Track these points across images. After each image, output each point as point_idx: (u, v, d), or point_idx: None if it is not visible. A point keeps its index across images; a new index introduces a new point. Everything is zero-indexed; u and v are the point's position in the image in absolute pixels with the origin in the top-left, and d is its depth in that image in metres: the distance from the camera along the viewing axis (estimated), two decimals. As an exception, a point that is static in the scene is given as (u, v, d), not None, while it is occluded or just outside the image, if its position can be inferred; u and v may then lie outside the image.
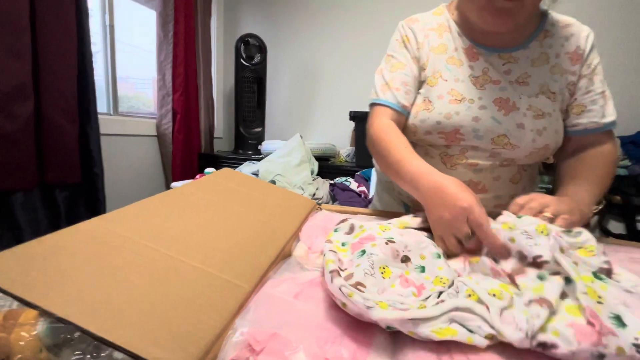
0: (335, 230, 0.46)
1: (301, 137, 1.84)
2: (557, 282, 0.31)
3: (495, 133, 0.56)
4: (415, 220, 0.49)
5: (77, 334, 0.52)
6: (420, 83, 0.62)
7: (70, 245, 0.31)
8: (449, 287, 0.35)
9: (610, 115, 0.57)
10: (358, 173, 1.60)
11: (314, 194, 1.49)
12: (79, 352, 0.50)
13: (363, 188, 1.45)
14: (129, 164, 1.79)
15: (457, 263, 0.41)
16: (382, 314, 0.28)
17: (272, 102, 2.35)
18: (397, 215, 0.54)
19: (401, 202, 0.71)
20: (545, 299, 0.29)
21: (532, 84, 0.56)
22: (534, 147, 0.56)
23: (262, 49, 2.10)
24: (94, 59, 1.68)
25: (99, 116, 1.46)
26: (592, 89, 0.56)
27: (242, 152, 2.17)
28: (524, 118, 0.55)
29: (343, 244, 0.42)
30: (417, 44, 0.62)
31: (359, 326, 0.30)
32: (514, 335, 0.26)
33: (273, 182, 1.50)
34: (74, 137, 1.29)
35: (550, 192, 1.70)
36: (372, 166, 1.50)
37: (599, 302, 0.28)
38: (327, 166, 1.86)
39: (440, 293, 0.34)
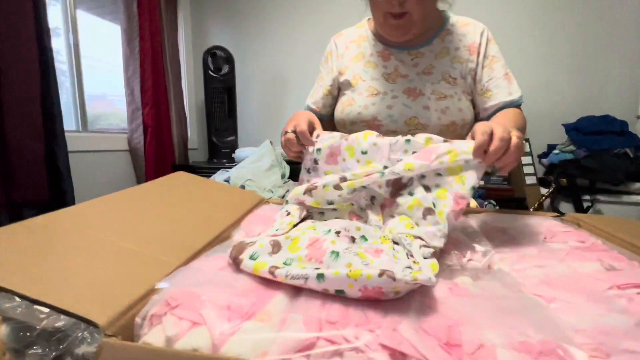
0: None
1: (271, 142, 1.90)
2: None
3: (406, 116, 0.68)
4: (297, 214, 0.53)
5: (36, 332, 0.56)
6: (344, 86, 0.76)
7: (15, 233, 0.36)
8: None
9: (516, 92, 0.67)
10: (326, 173, 1.67)
11: (284, 196, 1.55)
12: (37, 347, 0.54)
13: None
14: (102, 180, 1.80)
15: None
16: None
17: (243, 111, 2.41)
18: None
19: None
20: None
21: (435, 73, 0.68)
22: (441, 124, 0.67)
23: (229, 60, 2.16)
24: (64, 79, 1.71)
25: (68, 134, 1.47)
26: (493, 75, 0.67)
27: (216, 161, 2.21)
28: (428, 101, 0.67)
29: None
30: (338, 55, 0.77)
31: (265, 286, 0.36)
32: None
33: (243, 186, 1.55)
34: (39, 156, 1.31)
35: (507, 180, 1.80)
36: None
37: None
38: (299, 169, 1.93)
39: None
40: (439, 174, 0.47)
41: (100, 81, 1.96)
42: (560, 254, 0.44)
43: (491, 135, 0.44)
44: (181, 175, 0.70)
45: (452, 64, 0.68)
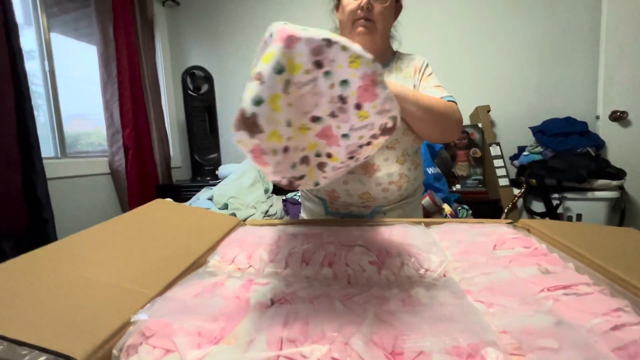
0: None
1: (253, 158, 1.93)
2: None
3: None
4: None
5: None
6: None
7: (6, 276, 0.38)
8: None
9: (445, 93, 0.78)
10: (308, 186, 1.71)
11: (267, 211, 1.58)
12: None
13: (312, 200, 1.55)
14: (84, 205, 1.79)
15: None
16: None
17: (225, 128, 2.43)
18: (312, 222, 0.64)
19: (319, 201, 0.84)
20: None
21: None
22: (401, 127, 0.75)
23: (208, 79, 2.20)
24: (41, 102, 1.70)
25: (46, 161, 1.47)
26: (428, 85, 0.80)
27: (200, 179, 2.23)
28: None
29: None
30: None
31: (235, 310, 0.39)
32: None
33: (226, 204, 1.57)
34: (17, 187, 1.30)
35: (482, 183, 1.88)
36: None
37: None
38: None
39: None
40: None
41: (80, 100, 1.96)
42: (505, 260, 0.49)
43: None
44: (160, 203, 0.72)
45: (405, 79, 0.83)
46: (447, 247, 0.56)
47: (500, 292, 0.41)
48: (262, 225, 0.72)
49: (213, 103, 2.22)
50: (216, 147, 2.28)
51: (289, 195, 1.64)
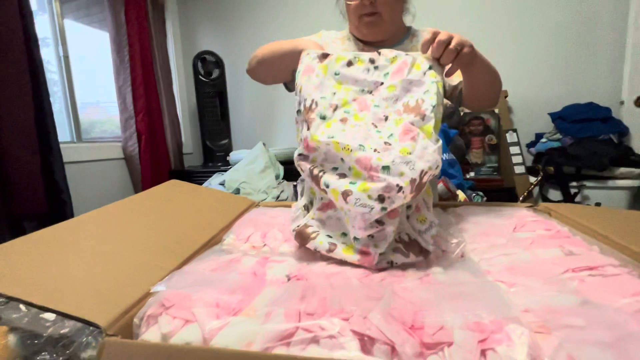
0: None
1: (264, 144, 1.93)
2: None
3: None
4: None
5: (43, 339, 0.60)
6: None
7: (19, 248, 0.39)
8: None
9: None
10: (319, 172, 1.70)
11: (278, 197, 1.58)
12: (44, 353, 0.57)
13: (323, 185, 1.55)
14: (99, 189, 1.83)
15: None
16: None
17: (235, 114, 2.43)
18: None
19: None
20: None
21: None
22: None
23: (219, 64, 2.18)
24: (56, 89, 1.72)
25: (62, 145, 1.50)
26: None
27: (211, 165, 2.24)
28: None
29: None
30: (324, 43, 0.82)
31: (252, 284, 0.39)
32: None
33: (238, 189, 1.58)
34: (36, 169, 1.33)
35: (497, 171, 1.84)
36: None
37: None
38: (293, 169, 1.96)
39: None
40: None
41: (93, 88, 1.98)
42: (526, 242, 0.47)
43: (437, 32, 0.52)
44: (174, 184, 0.73)
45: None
46: (464, 229, 0.55)
47: (521, 273, 0.40)
48: (275, 206, 0.72)
49: (224, 88, 2.21)
50: (227, 133, 2.28)
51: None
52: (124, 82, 1.93)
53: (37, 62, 1.41)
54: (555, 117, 1.76)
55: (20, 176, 1.27)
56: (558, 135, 1.75)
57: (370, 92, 0.53)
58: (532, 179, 1.70)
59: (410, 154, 0.44)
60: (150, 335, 0.32)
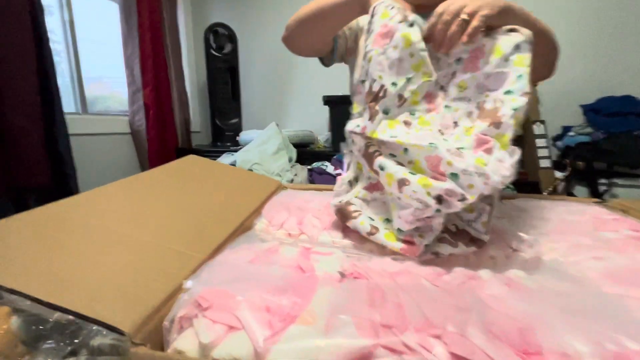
0: None
1: (277, 125, 1.84)
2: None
3: None
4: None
5: (50, 325, 0.53)
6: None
7: (18, 227, 0.32)
8: None
9: None
10: (334, 157, 1.62)
11: (292, 180, 1.51)
12: (50, 342, 0.51)
13: (340, 171, 1.47)
14: (104, 164, 1.76)
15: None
16: None
17: (247, 92, 2.33)
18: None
19: None
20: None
21: None
22: None
23: (232, 38, 2.07)
24: (59, 59, 1.63)
25: (67, 116, 1.42)
26: None
27: (220, 145, 2.16)
28: None
29: None
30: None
31: (302, 282, 0.32)
32: None
33: (250, 171, 1.51)
34: (39, 140, 1.26)
35: (521, 164, 1.77)
36: (348, 149, 1.53)
37: None
38: (306, 152, 1.88)
39: None
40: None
41: (96, 63, 1.87)
42: (616, 243, 0.40)
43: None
44: (193, 159, 0.65)
45: None
46: (532, 225, 0.47)
47: (627, 282, 0.33)
48: (305, 189, 0.65)
49: (236, 64, 2.11)
50: (237, 112, 2.19)
51: (315, 164, 1.56)
52: (132, 52, 1.82)
53: (42, 29, 1.32)
54: (588, 109, 1.66)
55: (23, 147, 1.20)
56: (588, 129, 1.65)
57: (442, 88, 0.44)
58: (558, 174, 1.62)
59: (486, 165, 0.36)
60: (185, 343, 0.26)
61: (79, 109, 1.71)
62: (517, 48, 0.39)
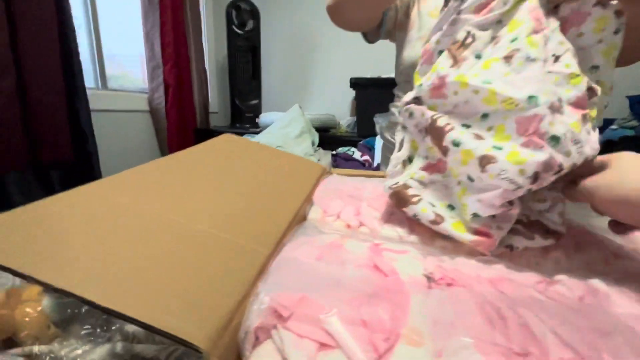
0: None
1: (300, 107, 1.77)
2: None
3: None
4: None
5: (85, 308, 0.49)
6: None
7: (59, 212, 0.27)
8: None
9: None
10: (361, 142, 1.55)
11: (317, 165, 1.45)
12: (88, 327, 0.47)
13: (367, 157, 1.41)
14: (123, 141, 1.73)
15: None
16: None
17: (267, 72, 2.26)
18: None
19: None
20: None
21: None
22: None
23: (254, 14, 1.98)
24: (78, 31, 1.58)
25: (87, 91, 1.38)
26: None
27: (239, 126, 2.11)
28: None
29: None
30: None
31: (390, 288, 0.27)
32: None
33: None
34: (62, 114, 1.23)
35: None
36: (374, 135, 1.46)
37: None
38: (327, 137, 1.82)
39: None
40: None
41: (111, 41, 1.82)
42: None
43: None
44: (229, 138, 0.60)
45: None
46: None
47: None
48: (352, 175, 0.59)
49: (258, 43, 2.03)
50: (258, 93, 2.13)
51: (341, 149, 1.50)
52: (153, 26, 1.76)
53: (64, 2, 1.26)
54: (635, 101, 1.54)
55: (46, 121, 1.17)
56: (634, 122, 1.54)
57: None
58: (598, 169, 1.52)
59: (580, 132, 0.30)
60: (265, 359, 0.21)
61: (99, 83, 1.67)
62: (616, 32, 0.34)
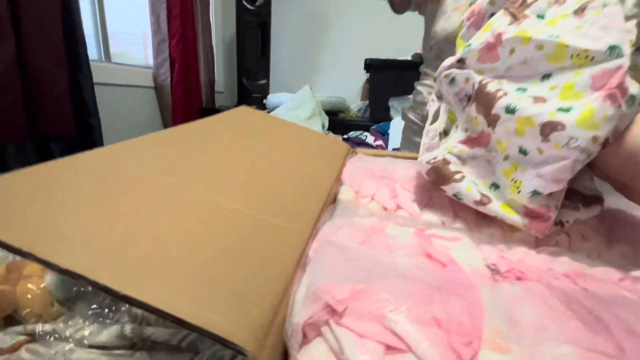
0: None
1: (311, 88, 1.71)
2: None
3: None
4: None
5: (91, 288, 0.45)
6: None
7: (65, 178, 0.23)
8: None
9: None
10: (373, 127, 1.50)
11: (327, 149, 1.40)
12: (95, 306, 0.43)
13: (380, 142, 1.36)
14: (126, 117, 1.68)
15: None
16: None
17: (277, 51, 2.17)
18: None
19: None
20: None
21: None
22: None
23: (265, -12, 1.89)
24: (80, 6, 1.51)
25: (91, 63, 1.32)
26: None
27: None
28: None
29: None
30: None
31: (456, 279, 0.23)
32: None
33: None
34: (64, 85, 1.17)
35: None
36: (387, 120, 1.40)
37: None
38: (337, 121, 1.76)
39: None
40: None
41: (110, 17, 1.73)
42: None
43: None
44: (246, 111, 0.55)
45: None
46: None
47: None
48: (380, 155, 0.55)
49: (268, 19, 1.94)
50: (266, 73, 2.05)
51: (352, 133, 1.45)
52: (159, -3, 1.68)
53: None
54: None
55: (48, 92, 1.12)
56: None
57: None
58: None
59: None
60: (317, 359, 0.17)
61: (102, 55, 1.61)
62: None
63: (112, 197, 0.22)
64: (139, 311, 0.47)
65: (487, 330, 0.18)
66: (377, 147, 1.34)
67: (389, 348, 0.17)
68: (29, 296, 0.42)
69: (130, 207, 0.22)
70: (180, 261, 0.18)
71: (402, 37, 1.56)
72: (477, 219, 0.35)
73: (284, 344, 0.18)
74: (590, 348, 0.17)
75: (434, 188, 0.39)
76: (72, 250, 0.17)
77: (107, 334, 0.43)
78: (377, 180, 0.43)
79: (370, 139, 1.37)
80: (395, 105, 1.29)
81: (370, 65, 1.59)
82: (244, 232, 0.22)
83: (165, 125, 1.89)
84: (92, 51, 1.57)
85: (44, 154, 1.15)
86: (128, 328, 0.45)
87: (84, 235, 0.18)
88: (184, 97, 1.85)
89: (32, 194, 0.20)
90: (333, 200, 0.38)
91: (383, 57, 1.58)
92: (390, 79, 1.48)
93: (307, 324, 0.18)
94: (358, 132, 1.44)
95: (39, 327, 0.42)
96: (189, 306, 0.15)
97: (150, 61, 1.80)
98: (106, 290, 0.15)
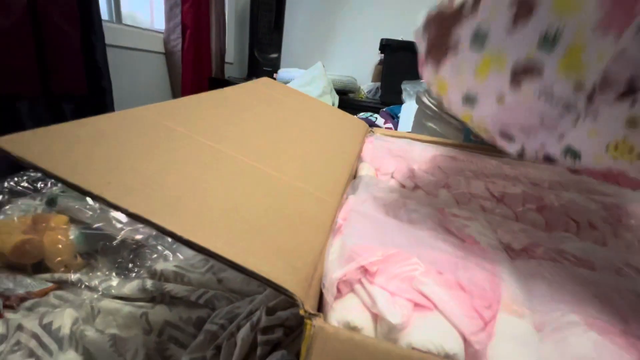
0: None
1: (323, 66, 1.68)
2: None
3: None
4: None
5: (115, 242, 0.47)
6: None
7: (119, 131, 0.24)
8: None
9: None
10: (384, 110, 1.49)
11: (337, 128, 1.40)
12: (121, 260, 0.45)
13: (390, 125, 1.35)
14: (136, 81, 1.66)
15: None
16: None
17: (290, 25, 2.12)
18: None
19: (458, 122, 0.63)
20: None
21: None
22: None
23: (283, -45, 1.82)
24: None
25: (103, 24, 1.30)
26: None
27: (255, 79, 2.02)
28: None
29: None
30: None
31: (477, 252, 0.24)
32: None
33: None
34: (76, 44, 1.16)
35: None
36: (399, 103, 1.39)
37: None
38: (346, 101, 1.74)
39: None
40: None
41: None
42: None
43: None
44: (268, 83, 0.56)
45: None
46: None
47: None
48: (397, 136, 0.56)
49: (284, -11, 1.88)
50: (278, 46, 2.01)
51: (362, 114, 1.44)
52: (173, -43, 1.62)
53: None
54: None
55: (59, 50, 1.10)
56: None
57: None
58: None
59: None
60: (352, 314, 0.19)
61: (113, 16, 1.57)
62: None
63: (162, 152, 0.23)
64: (158, 267, 0.50)
65: (505, 297, 0.20)
66: (387, 129, 1.33)
67: (417, 305, 0.19)
68: (60, 246, 0.45)
69: (178, 163, 0.23)
70: (230, 215, 0.20)
71: (419, 20, 1.52)
72: (491, 202, 0.37)
73: (320, 296, 0.20)
74: (596, 317, 0.19)
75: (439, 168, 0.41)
76: (135, 198, 0.18)
77: (129, 287, 0.46)
78: (396, 160, 0.44)
79: (380, 121, 1.37)
80: (408, 89, 1.27)
81: (386, 45, 1.56)
82: (283, 196, 0.24)
83: (174, 93, 1.88)
84: (103, 12, 1.54)
85: (55, 113, 1.15)
86: (149, 283, 0.47)
87: (143, 185, 0.19)
88: (194, 65, 1.82)
89: (91, 143, 0.21)
90: (354, 175, 0.39)
91: (399, 38, 1.55)
92: (405, 62, 1.46)
93: (341, 280, 0.20)
94: (368, 114, 1.44)
95: (70, 276, 0.44)
96: (242, 254, 0.17)
97: (156, 25, 1.76)
98: (171, 235, 0.17)
